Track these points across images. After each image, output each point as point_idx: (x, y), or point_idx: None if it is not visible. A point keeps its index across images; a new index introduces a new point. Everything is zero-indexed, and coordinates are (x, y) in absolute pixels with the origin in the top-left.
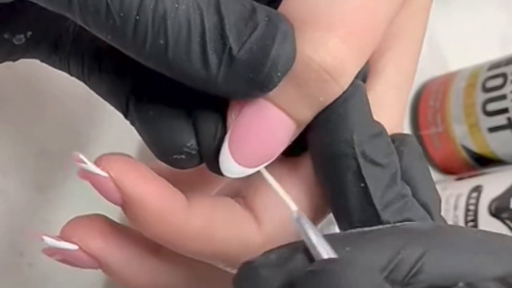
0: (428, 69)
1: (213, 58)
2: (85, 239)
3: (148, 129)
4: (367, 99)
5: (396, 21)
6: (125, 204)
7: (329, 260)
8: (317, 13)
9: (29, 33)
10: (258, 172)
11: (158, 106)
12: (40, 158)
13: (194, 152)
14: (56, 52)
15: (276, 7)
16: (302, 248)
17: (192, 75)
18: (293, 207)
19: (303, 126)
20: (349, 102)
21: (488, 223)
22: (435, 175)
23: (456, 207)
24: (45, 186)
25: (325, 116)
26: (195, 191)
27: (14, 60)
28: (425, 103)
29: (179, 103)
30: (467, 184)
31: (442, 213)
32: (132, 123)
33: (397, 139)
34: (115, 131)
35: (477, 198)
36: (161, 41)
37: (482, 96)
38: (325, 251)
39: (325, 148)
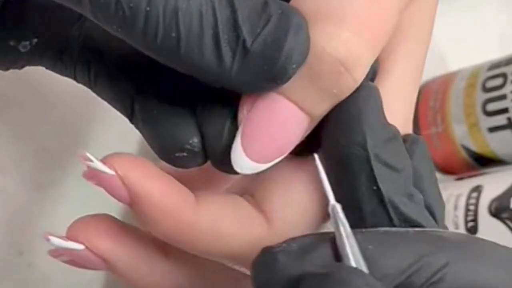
0: (428, 69)
1: (226, 51)
2: (93, 239)
3: (151, 128)
4: (381, 101)
5: (404, 15)
6: (132, 202)
7: (343, 268)
8: (328, 7)
9: (35, 40)
10: (268, 169)
11: (162, 105)
12: (40, 156)
13: (197, 149)
14: (62, 59)
15: (288, 1)
16: (327, 240)
17: (205, 69)
18: (332, 199)
19: (317, 121)
20: (364, 103)
21: (488, 223)
22: None
23: (456, 207)
24: (44, 184)
25: (339, 116)
26: (202, 190)
27: (19, 68)
28: (425, 103)
29: (183, 101)
30: (467, 184)
31: None
32: (137, 126)
33: (409, 140)
34: (116, 130)
35: (477, 198)
36: (173, 34)
37: (482, 96)
38: (349, 248)
39: (338, 149)
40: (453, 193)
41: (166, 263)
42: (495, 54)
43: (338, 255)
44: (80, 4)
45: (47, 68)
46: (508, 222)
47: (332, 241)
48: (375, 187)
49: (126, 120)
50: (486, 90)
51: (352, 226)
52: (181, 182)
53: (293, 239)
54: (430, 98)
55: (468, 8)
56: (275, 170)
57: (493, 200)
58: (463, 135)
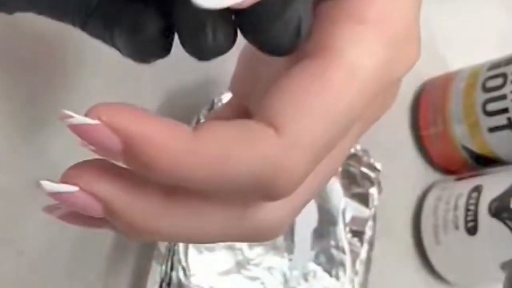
0: (428, 69)
1: None
2: (87, 180)
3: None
4: None
5: None
6: (125, 146)
7: None
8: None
9: None
10: (268, 82)
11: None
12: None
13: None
14: None
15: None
16: None
17: None
18: None
19: None
20: None
21: (488, 223)
22: (435, 175)
23: (456, 207)
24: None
25: None
26: None
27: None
28: (425, 103)
29: None
30: (467, 184)
31: (442, 213)
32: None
33: None
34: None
35: (477, 198)
36: None
37: (482, 96)
38: None
39: None
40: (453, 193)
41: (166, 202)
42: (495, 54)
43: None
44: None
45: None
46: (508, 222)
47: None
48: None
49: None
50: (486, 90)
51: None
52: None
53: None
54: (430, 98)
55: (467, 8)
56: (278, 82)
57: (493, 200)
58: (463, 135)
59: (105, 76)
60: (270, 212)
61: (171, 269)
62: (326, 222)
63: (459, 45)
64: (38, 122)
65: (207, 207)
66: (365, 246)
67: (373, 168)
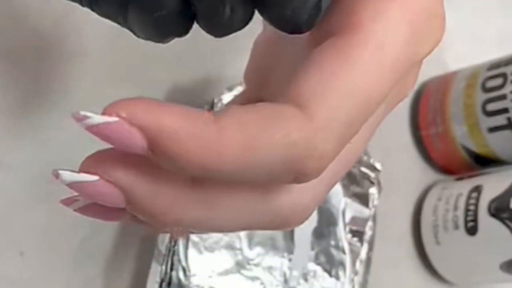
0: (428, 69)
1: None
2: (108, 170)
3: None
4: None
5: None
6: (150, 140)
7: None
8: None
9: None
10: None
11: None
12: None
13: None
14: None
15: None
16: None
17: None
18: None
19: None
20: None
21: (488, 223)
22: (435, 175)
23: (456, 207)
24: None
25: None
26: None
27: None
28: (425, 103)
29: None
30: (467, 184)
31: (442, 213)
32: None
33: None
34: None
35: (477, 198)
36: None
37: (482, 96)
38: None
39: None
40: (453, 193)
41: (194, 191)
42: (495, 54)
43: None
44: None
45: None
46: (508, 222)
47: None
48: None
49: None
50: (486, 90)
51: None
52: None
53: None
54: (430, 98)
55: (467, 8)
56: (303, 64)
57: (493, 200)
58: (463, 135)
59: (105, 76)
60: (295, 196)
61: (171, 269)
62: (326, 222)
63: (459, 45)
64: (38, 122)
65: (234, 194)
66: (365, 246)
67: (373, 168)
